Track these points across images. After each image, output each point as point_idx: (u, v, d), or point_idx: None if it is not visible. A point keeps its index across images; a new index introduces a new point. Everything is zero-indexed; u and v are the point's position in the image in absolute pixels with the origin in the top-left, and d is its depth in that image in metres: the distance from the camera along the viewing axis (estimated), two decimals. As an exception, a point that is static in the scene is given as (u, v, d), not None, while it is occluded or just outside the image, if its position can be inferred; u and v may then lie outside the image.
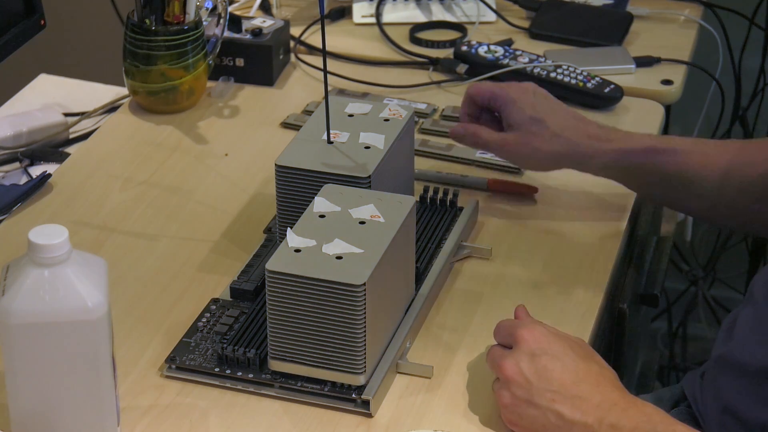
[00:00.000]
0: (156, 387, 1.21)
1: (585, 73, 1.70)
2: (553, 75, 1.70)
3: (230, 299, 1.31)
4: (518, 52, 1.75)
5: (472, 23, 1.91)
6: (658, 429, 1.07)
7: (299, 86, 1.74)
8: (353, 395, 1.17)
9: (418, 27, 1.87)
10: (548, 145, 1.41)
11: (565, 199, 1.50)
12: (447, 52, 1.80)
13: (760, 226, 1.36)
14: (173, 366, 1.22)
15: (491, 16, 1.92)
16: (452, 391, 1.20)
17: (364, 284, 1.12)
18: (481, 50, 1.75)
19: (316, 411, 1.18)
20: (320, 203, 1.22)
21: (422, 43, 1.84)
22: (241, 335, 1.23)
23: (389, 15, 1.89)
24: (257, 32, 1.73)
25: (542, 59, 1.74)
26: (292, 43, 1.81)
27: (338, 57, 1.79)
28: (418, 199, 1.43)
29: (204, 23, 1.66)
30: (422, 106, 1.67)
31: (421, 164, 1.52)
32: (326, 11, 1.91)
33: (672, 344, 2.47)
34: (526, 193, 1.48)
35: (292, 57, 1.79)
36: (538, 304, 1.32)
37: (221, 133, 1.63)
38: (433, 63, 1.78)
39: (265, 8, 1.92)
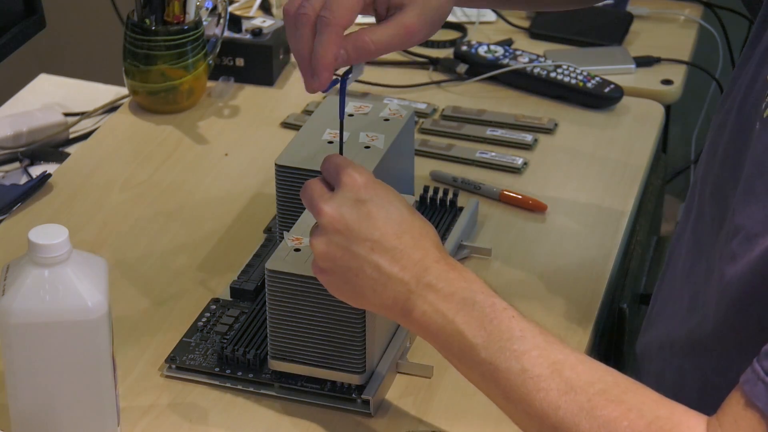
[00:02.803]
0: (156, 387, 1.21)
1: (585, 73, 1.70)
2: (553, 75, 1.70)
3: (230, 299, 1.31)
4: (518, 52, 1.75)
5: (472, 23, 1.91)
6: (477, 298, 1.01)
7: (299, 86, 1.73)
8: (353, 395, 1.17)
9: (418, 27, 1.87)
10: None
11: (564, 199, 1.50)
12: (447, 52, 1.80)
13: None
14: (173, 366, 1.22)
15: (491, 16, 1.92)
16: (452, 391, 1.20)
17: (364, 284, 1.12)
18: (481, 50, 1.75)
19: (316, 411, 1.18)
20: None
21: (422, 43, 1.83)
22: (241, 335, 1.23)
23: None
24: (257, 32, 1.73)
25: (542, 59, 1.74)
26: (292, 43, 1.80)
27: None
28: (418, 199, 1.43)
29: (204, 23, 1.66)
30: (422, 106, 1.67)
31: (421, 164, 1.52)
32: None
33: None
34: (534, 210, 1.47)
35: (292, 57, 1.79)
36: (539, 304, 1.32)
37: (221, 133, 1.63)
38: (433, 63, 1.78)
39: (265, 8, 1.92)
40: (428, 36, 1.15)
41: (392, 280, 1.03)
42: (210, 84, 1.70)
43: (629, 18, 1.91)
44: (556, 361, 0.98)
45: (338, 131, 1.31)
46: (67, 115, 1.69)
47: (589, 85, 1.69)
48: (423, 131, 1.62)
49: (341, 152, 1.17)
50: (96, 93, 1.76)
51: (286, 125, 1.65)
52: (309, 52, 1.07)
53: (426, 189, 1.44)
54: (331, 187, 1.07)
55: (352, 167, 1.06)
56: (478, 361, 1.00)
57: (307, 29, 1.07)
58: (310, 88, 1.08)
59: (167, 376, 1.22)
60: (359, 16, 1.10)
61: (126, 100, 1.70)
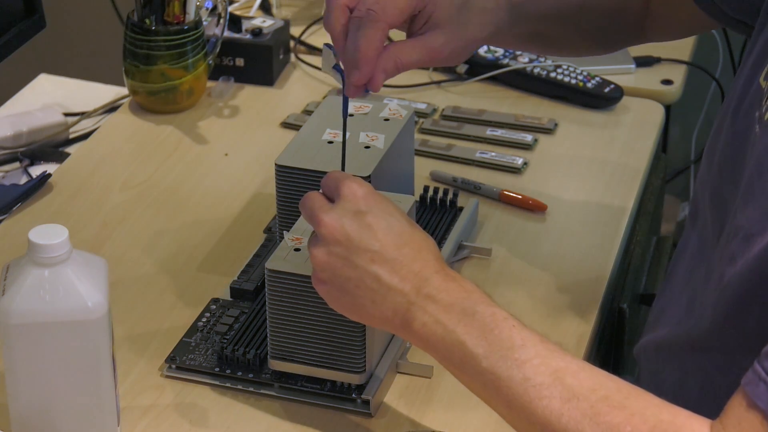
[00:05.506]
0: (156, 387, 1.21)
1: (585, 73, 1.70)
2: (553, 75, 1.70)
3: (230, 299, 1.31)
4: (518, 52, 1.75)
5: (472, 23, 1.90)
6: (477, 308, 1.01)
7: (299, 86, 1.74)
8: (353, 395, 1.17)
9: (418, 27, 1.87)
10: (480, 29, 1.21)
11: (564, 199, 1.50)
12: (447, 52, 1.80)
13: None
14: (173, 366, 1.22)
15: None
16: (452, 391, 1.20)
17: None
18: (481, 50, 1.75)
19: (316, 411, 1.18)
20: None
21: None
22: (241, 335, 1.24)
23: None
24: (257, 32, 1.73)
25: (542, 59, 1.74)
26: (292, 43, 1.81)
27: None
28: (418, 199, 1.43)
29: (204, 23, 1.66)
30: (422, 106, 1.67)
31: (421, 164, 1.52)
32: (326, 11, 1.91)
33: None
34: (534, 210, 1.47)
35: (292, 57, 1.79)
36: (538, 304, 1.32)
37: (221, 133, 1.63)
38: (433, 63, 1.78)
39: (265, 8, 1.92)
40: (452, 62, 1.22)
41: (392, 291, 1.04)
42: (210, 84, 1.70)
43: (629, 18, 1.90)
44: (558, 368, 0.98)
45: (338, 131, 1.32)
46: (67, 115, 1.69)
47: (589, 85, 1.69)
48: (423, 131, 1.62)
49: (344, 153, 1.17)
50: (96, 93, 1.76)
51: (286, 125, 1.65)
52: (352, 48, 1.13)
53: (426, 189, 1.44)
54: (331, 200, 1.08)
55: (352, 180, 1.07)
56: (480, 371, 1.00)
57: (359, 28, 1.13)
58: (355, 82, 1.14)
59: (167, 376, 1.22)
60: None
61: (126, 100, 1.70)
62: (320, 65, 1.20)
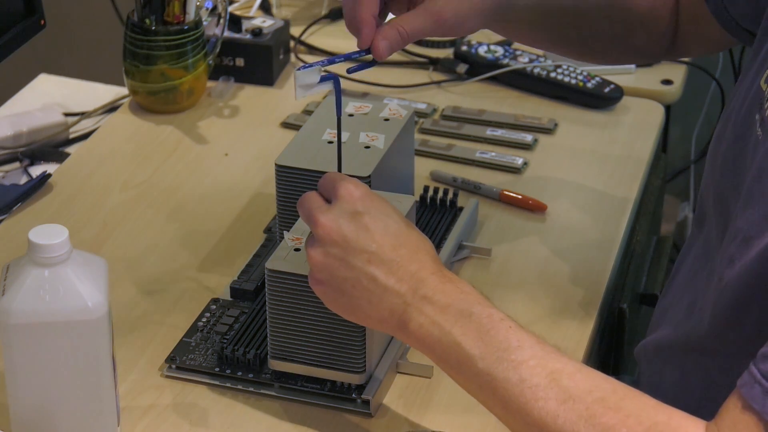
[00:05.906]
0: (156, 387, 1.21)
1: (585, 73, 1.70)
2: (553, 75, 1.70)
3: (230, 299, 1.31)
4: (518, 52, 1.75)
5: (472, 23, 1.90)
6: (474, 309, 1.01)
7: (299, 86, 1.74)
8: (353, 395, 1.17)
9: (418, 27, 1.87)
10: None
11: (564, 199, 1.50)
12: (447, 52, 1.80)
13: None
14: (173, 366, 1.22)
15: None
16: (452, 391, 1.20)
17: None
18: (481, 50, 1.75)
19: (316, 411, 1.18)
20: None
21: (422, 42, 1.84)
22: (241, 335, 1.24)
23: (389, 15, 1.88)
24: (257, 32, 1.73)
25: (542, 59, 1.74)
26: (292, 43, 1.81)
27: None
28: (418, 199, 1.43)
29: (204, 23, 1.66)
30: (422, 106, 1.67)
31: (421, 164, 1.52)
32: (326, 11, 1.92)
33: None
34: (534, 210, 1.47)
35: (292, 57, 1.79)
36: (538, 304, 1.32)
37: (221, 133, 1.63)
38: (433, 63, 1.78)
39: (265, 8, 1.92)
40: (462, 30, 1.21)
41: (388, 292, 1.04)
42: (210, 84, 1.70)
43: (629, 18, 1.90)
44: (554, 370, 0.98)
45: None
46: (67, 115, 1.69)
47: (589, 85, 1.69)
48: (423, 131, 1.62)
49: (339, 154, 1.17)
50: (96, 93, 1.76)
51: (286, 125, 1.65)
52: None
53: (426, 189, 1.44)
54: (328, 200, 1.08)
55: (349, 180, 1.07)
56: (476, 372, 1.00)
57: None
58: (359, 46, 1.17)
59: (167, 376, 1.22)
60: None
61: (126, 100, 1.70)
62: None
